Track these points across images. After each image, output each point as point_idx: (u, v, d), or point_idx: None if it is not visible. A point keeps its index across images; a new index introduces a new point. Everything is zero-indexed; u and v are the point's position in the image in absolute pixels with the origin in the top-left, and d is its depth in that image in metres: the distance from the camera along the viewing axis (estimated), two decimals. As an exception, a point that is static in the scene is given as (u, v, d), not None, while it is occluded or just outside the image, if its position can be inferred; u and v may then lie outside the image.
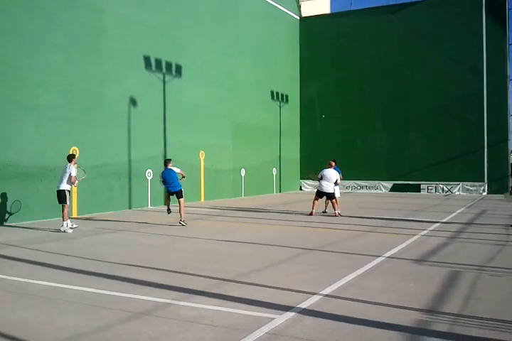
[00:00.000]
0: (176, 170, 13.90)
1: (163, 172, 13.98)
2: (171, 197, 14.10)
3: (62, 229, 12.19)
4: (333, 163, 16.84)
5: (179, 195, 13.74)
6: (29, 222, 14.30)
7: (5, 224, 13.83)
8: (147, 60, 19.00)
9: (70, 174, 12.28)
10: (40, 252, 9.44)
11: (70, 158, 12.62)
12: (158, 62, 19.57)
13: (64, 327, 5.11)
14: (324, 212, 16.68)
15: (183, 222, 13.48)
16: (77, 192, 15.81)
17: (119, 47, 17.71)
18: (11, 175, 13.99)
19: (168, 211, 14.06)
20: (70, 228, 12.31)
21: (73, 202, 15.67)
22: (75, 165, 12.57)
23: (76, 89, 16.03)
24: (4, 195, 13.80)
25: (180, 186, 13.83)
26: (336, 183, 16.22)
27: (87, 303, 5.96)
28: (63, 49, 15.61)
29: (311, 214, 15.84)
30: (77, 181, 12.51)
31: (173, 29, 20.53)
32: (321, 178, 15.91)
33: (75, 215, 15.68)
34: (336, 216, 15.55)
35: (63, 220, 12.27)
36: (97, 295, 6.33)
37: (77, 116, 16.04)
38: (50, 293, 6.48)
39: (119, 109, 17.76)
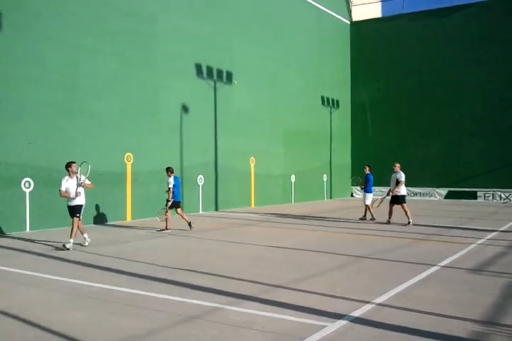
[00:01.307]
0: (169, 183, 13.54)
1: (175, 179, 13.50)
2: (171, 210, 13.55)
3: (69, 246, 10.30)
4: (368, 168, 16.63)
5: (179, 204, 13.68)
6: (85, 225, 14.69)
7: (60, 227, 14.25)
8: (198, 67, 19.28)
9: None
10: (95, 255, 9.69)
11: (66, 167, 10.73)
12: (209, 69, 19.83)
13: (117, 329, 5.21)
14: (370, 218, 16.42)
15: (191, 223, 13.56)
16: (132, 197, 16.16)
17: (171, 55, 18.06)
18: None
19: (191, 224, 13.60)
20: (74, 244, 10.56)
21: (127, 207, 16.05)
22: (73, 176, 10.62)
23: (130, 96, 16.43)
24: (62, 201, 14.22)
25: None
26: (363, 189, 16.24)
27: (139, 306, 6.07)
28: (117, 57, 16.04)
29: (389, 222, 15.31)
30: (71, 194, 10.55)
31: (223, 36, 20.76)
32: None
33: (129, 220, 16.03)
34: (387, 223, 15.24)
35: (77, 236, 10.60)
36: (148, 298, 6.43)
37: (131, 123, 16.43)
38: (103, 295, 6.63)
39: (171, 116, 18.09)
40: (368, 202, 16.47)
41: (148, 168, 16.92)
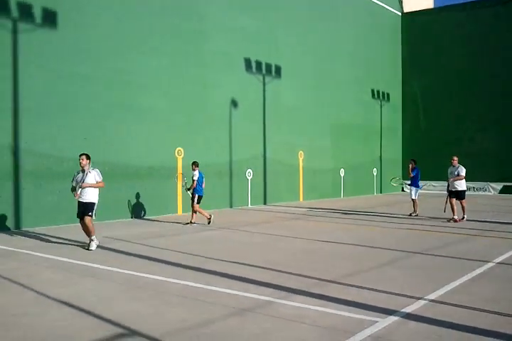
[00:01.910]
0: (194, 176, 13.63)
1: (199, 173, 13.65)
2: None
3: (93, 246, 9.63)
4: (413, 163, 16.22)
5: (201, 199, 13.73)
6: (137, 218, 15.07)
7: (113, 220, 14.65)
8: (247, 62, 19.35)
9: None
10: (147, 247, 9.92)
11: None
12: (258, 64, 19.86)
13: (171, 320, 5.33)
14: (416, 214, 16.04)
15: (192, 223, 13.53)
16: (182, 191, 16.42)
17: (220, 50, 18.19)
18: (122, 175, 14.80)
19: (209, 219, 13.59)
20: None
21: (178, 200, 16.33)
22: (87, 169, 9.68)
23: (179, 92, 16.67)
24: (117, 193, 14.63)
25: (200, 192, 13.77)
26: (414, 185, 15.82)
27: (193, 297, 6.18)
28: (167, 54, 16.29)
29: (455, 220, 14.21)
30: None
31: (271, 31, 20.74)
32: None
33: (180, 213, 16.31)
34: (453, 220, 14.23)
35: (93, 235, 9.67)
36: (201, 290, 6.54)
37: (181, 118, 16.67)
38: (157, 286, 6.79)
39: (220, 111, 18.25)
40: (414, 196, 16.13)
41: (199, 161, 17.09)
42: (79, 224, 9.61)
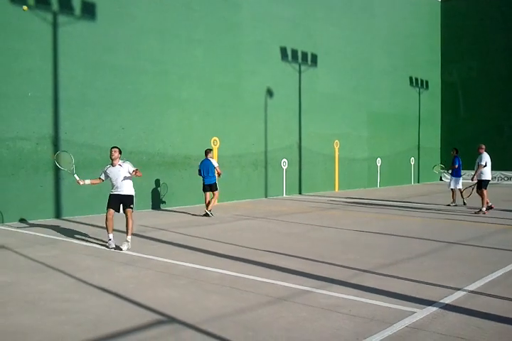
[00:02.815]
0: (214, 163, 13.33)
1: (201, 162, 13.46)
2: (207, 193, 13.36)
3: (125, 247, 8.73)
4: (455, 152, 15.86)
5: (213, 187, 13.27)
6: (174, 207, 15.25)
7: (152, 209, 14.88)
8: (283, 51, 19.23)
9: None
10: (184, 236, 10.04)
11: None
12: (294, 52, 19.72)
13: (208, 307, 5.39)
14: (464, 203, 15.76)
15: (210, 211, 13.17)
16: (218, 180, 16.52)
17: (255, 39, 18.11)
18: (159, 164, 14.99)
19: (207, 212, 13.19)
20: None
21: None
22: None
23: (215, 82, 16.70)
24: (154, 182, 14.84)
25: (215, 179, 13.35)
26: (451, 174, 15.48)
27: (229, 286, 6.24)
28: (202, 44, 16.32)
29: (490, 207, 13.92)
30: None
31: (307, 19, 20.53)
32: (485, 165, 13.92)
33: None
34: (480, 213, 13.84)
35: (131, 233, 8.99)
36: (238, 279, 6.59)
37: (217, 108, 16.73)
38: (194, 274, 6.87)
39: (256, 101, 18.22)
40: (457, 186, 15.79)
41: (234, 151, 17.23)
42: (115, 214, 9.19)
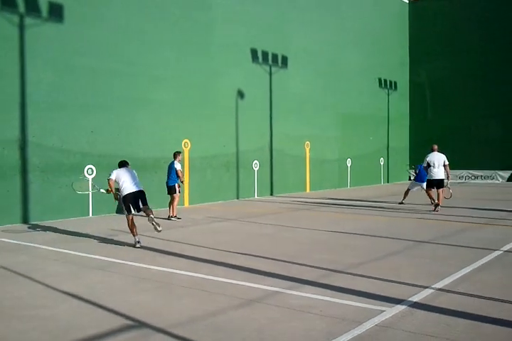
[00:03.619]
0: (177, 166, 13.15)
1: (169, 163, 13.42)
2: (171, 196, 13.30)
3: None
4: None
5: (171, 190, 13.13)
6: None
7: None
8: (254, 52, 19.26)
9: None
10: (155, 239, 9.94)
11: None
12: (265, 54, 19.77)
13: (179, 311, 5.36)
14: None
15: (174, 217, 13.01)
16: (189, 182, 16.47)
17: (227, 41, 18.09)
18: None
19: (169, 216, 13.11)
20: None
21: (185, 192, 16.36)
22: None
23: (186, 83, 16.62)
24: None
25: (176, 182, 13.13)
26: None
27: (200, 289, 6.21)
28: (174, 45, 16.23)
29: (436, 206, 14.04)
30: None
31: (279, 21, 20.60)
32: (429, 165, 14.09)
33: (186, 205, 16.36)
34: (434, 210, 14.04)
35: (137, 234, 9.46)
36: (208, 281, 6.57)
37: (188, 110, 16.65)
38: (165, 277, 6.83)
39: (227, 102, 18.21)
40: (413, 188, 16.28)
41: (205, 153, 17.19)
42: (85, 218, 9.39)
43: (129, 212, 9.33)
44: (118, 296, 5.97)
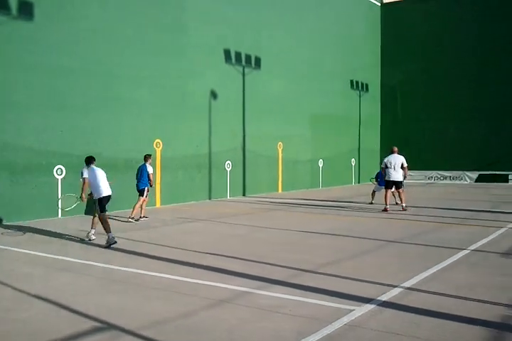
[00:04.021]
0: (149, 169, 13.03)
1: (139, 166, 13.33)
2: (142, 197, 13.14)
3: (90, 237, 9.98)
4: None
5: (140, 192, 13.00)
6: (115, 211, 14.96)
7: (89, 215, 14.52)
8: (227, 53, 19.25)
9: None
10: (125, 240, 9.86)
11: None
12: (238, 55, 19.78)
13: (149, 313, 5.33)
14: (397, 203, 16.14)
15: (132, 219, 12.74)
16: (161, 183, 16.36)
17: (201, 42, 18.03)
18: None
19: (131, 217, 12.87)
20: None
21: (156, 192, 16.26)
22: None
23: (159, 84, 16.51)
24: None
25: (147, 185, 13.01)
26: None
27: (170, 290, 6.19)
28: (147, 46, 16.10)
29: (385, 209, 14.43)
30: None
31: (252, 22, 20.63)
32: (386, 166, 14.60)
33: (158, 206, 16.25)
34: (403, 210, 14.41)
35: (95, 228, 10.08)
36: (179, 282, 6.55)
37: (160, 110, 16.55)
38: (135, 279, 6.78)
39: (200, 103, 18.16)
40: (377, 190, 16.70)
41: (177, 153, 17.11)
42: (54, 219, 9.50)
43: (104, 211, 9.69)
44: (87, 298, 5.91)
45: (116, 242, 9.28)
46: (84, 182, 9.75)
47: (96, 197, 9.74)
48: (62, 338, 4.60)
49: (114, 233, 9.48)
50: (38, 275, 7.11)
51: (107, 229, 9.45)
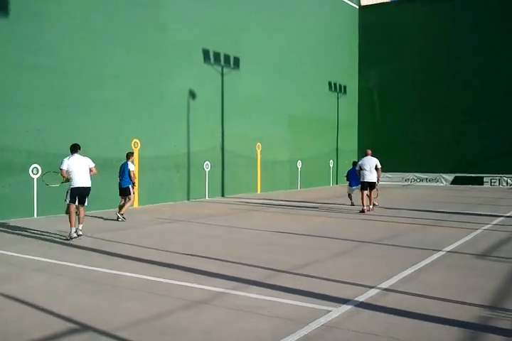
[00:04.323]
0: (131, 167, 13.01)
1: (121, 164, 13.27)
2: (122, 197, 13.16)
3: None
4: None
5: (126, 191, 12.97)
6: (92, 211, 14.78)
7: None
8: (206, 53, 19.18)
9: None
10: (102, 241, 9.76)
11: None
12: (217, 55, 19.73)
13: (124, 314, 5.27)
14: (353, 204, 16.32)
15: (122, 215, 12.74)
16: (139, 183, 16.19)
17: (178, 42, 17.94)
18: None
19: (118, 215, 12.79)
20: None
21: (135, 193, 16.10)
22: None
23: (137, 83, 16.38)
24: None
25: (130, 183, 12.98)
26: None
27: (146, 291, 6.13)
28: (125, 45, 15.96)
29: (363, 211, 14.55)
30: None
31: (231, 22, 20.60)
32: (361, 168, 14.82)
33: (136, 206, 16.11)
34: (370, 210, 14.66)
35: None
36: (155, 283, 6.49)
37: (138, 110, 16.41)
38: (110, 279, 6.70)
39: (178, 102, 18.06)
40: (350, 191, 16.89)
41: (155, 153, 16.98)
42: (29, 219, 9.37)
43: (73, 201, 9.79)
44: (62, 299, 5.81)
45: (77, 237, 9.59)
46: (61, 173, 9.89)
47: (69, 186, 9.84)
48: (36, 339, 4.51)
49: (92, 233, 9.38)
50: (11, 275, 6.98)
51: (72, 222, 9.62)
